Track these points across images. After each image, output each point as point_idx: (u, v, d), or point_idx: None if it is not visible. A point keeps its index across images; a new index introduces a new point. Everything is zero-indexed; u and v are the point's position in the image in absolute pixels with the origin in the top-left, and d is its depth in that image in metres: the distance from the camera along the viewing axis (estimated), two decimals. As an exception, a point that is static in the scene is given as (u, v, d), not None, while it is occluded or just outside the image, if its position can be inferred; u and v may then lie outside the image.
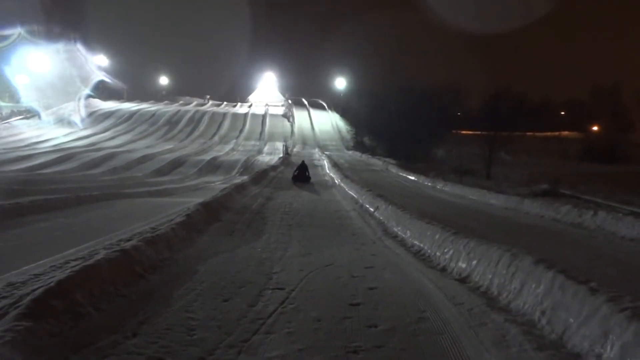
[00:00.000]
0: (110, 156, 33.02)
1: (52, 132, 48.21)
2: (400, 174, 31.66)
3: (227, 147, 47.20)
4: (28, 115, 56.46)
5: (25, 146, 38.36)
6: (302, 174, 24.54)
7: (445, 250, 7.97)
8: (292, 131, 60.21)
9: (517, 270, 6.00)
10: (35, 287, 4.99)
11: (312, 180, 24.90)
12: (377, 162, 40.51)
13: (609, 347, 4.03)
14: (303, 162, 25.99)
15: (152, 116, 63.21)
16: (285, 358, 4.18)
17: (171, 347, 4.31)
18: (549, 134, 69.20)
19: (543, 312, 5.07)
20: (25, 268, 6.17)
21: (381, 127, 52.21)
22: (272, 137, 55.53)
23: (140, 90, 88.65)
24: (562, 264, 5.78)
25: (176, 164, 31.95)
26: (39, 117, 56.41)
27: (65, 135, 47.18)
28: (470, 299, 5.95)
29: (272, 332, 4.77)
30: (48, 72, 65.11)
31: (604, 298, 4.53)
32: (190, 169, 30.29)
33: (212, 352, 4.22)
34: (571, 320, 4.64)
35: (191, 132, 56.55)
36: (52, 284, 5.01)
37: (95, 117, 60.27)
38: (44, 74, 64.18)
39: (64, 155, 31.92)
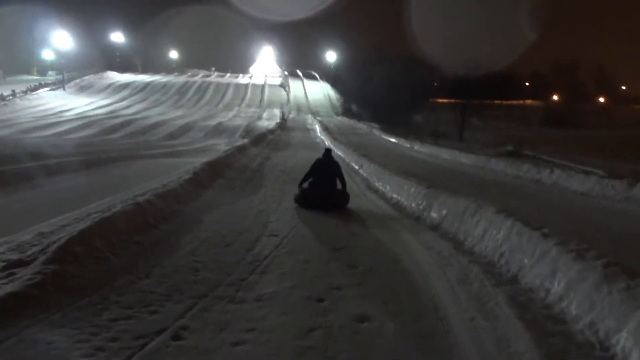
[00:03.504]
0: (127, 123, 32.74)
1: (74, 102, 47.63)
2: (383, 137, 31.57)
3: (231, 114, 46.77)
4: (54, 87, 55.71)
5: (52, 114, 37.91)
6: (322, 187, 8.59)
7: (420, 202, 8.01)
8: (288, 99, 59.64)
9: (481, 218, 6.05)
10: (60, 236, 5.00)
11: (306, 141, 24.63)
12: (362, 127, 40.35)
13: (556, 283, 4.10)
14: (328, 151, 9.45)
15: (164, 87, 62.44)
16: (278, 294, 4.22)
17: (179, 285, 4.34)
18: (514, 102, 68.91)
19: (502, 254, 5.14)
20: (53, 220, 6.11)
21: (367, 95, 51.85)
22: (270, 105, 55.01)
23: (152, 63, 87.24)
24: (520, 214, 5.83)
25: (185, 129, 31.70)
26: (63, 88, 55.72)
27: (86, 105, 46.60)
28: (439, 243, 6.02)
29: (266, 272, 4.81)
30: (70, 49, 63.96)
31: (554, 242, 4.59)
32: (198, 133, 30.06)
33: (214, 289, 4.26)
34: (525, 261, 4.71)
35: (198, 101, 55.97)
36: (74, 233, 5.02)
37: (113, 88, 59.50)
38: (66, 50, 63.06)
39: (87, 122, 31.63)
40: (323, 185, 8.51)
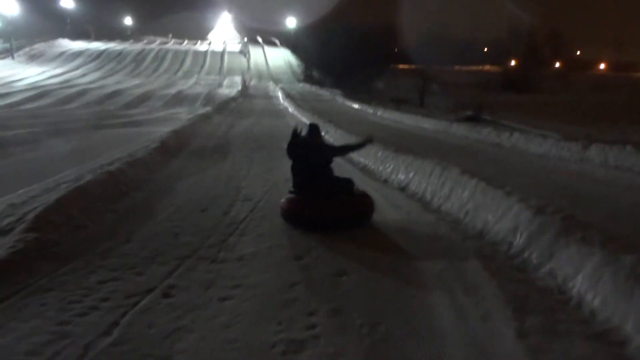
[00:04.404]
0: (83, 92, 31.78)
1: (25, 72, 45.81)
2: (346, 103, 31.67)
3: (190, 82, 45.78)
4: (1, 56, 53.29)
5: (2, 85, 36.42)
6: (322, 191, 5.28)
7: (387, 165, 8.26)
8: (249, 66, 58.74)
9: (446, 179, 6.35)
10: (35, 205, 5.03)
11: (269, 109, 24.61)
12: (325, 93, 40.30)
13: (518, 237, 4.43)
14: (313, 127, 5.73)
15: (119, 54, 60.47)
16: (258, 254, 4.42)
17: (160, 249, 4.48)
18: (473, 67, 69.72)
19: (467, 212, 5.45)
20: (21, 192, 6.06)
21: (328, 61, 51.48)
22: (230, 72, 54.08)
23: (106, 30, 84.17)
24: (483, 174, 6.14)
25: (144, 98, 30.97)
26: (12, 57, 53.40)
27: (38, 74, 44.89)
28: (408, 203, 6.30)
29: (245, 234, 4.99)
30: (18, 15, 61.07)
31: (516, 199, 4.91)
32: (158, 102, 29.42)
33: (196, 251, 4.42)
34: (489, 217, 5.03)
35: (156, 69, 54.52)
36: (51, 202, 5.07)
37: (65, 57, 57.35)
38: (14, 17, 60.20)
39: (40, 92, 30.53)
40: (320, 188, 5.26)
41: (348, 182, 5.43)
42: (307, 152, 5.40)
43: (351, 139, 11.09)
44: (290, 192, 5.46)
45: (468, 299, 3.51)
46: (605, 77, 71.04)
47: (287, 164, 8.00)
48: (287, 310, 3.32)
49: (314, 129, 5.72)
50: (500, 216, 4.87)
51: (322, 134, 12.16)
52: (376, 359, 2.79)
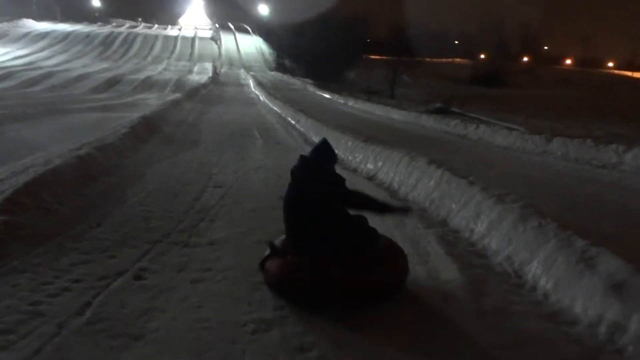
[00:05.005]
0: (49, 75, 31.05)
1: (-12, 52, 44.44)
2: (317, 92, 31.75)
3: (160, 67, 45.14)
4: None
5: (-37, 65, 35.29)
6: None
7: (356, 155, 8.42)
8: (220, 53, 58.19)
9: (414, 169, 6.54)
10: (4, 188, 4.99)
11: (240, 96, 24.45)
12: (296, 82, 40.26)
13: (480, 224, 4.63)
14: (319, 150, 3.87)
15: (87, 37, 59.07)
16: (229, 238, 4.51)
17: (132, 233, 4.53)
18: (444, 60, 70.45)
19: (432, 201, 5.65)
20: (-14, 175, 6.01)
21: (300, 50, 51.41)
22: (201, 58, 53.47)
23: (73, 11, 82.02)
24: (449, 165, 6.34)
25: (112, 82, 30.45)
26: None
27: (1, 55, 43.57)
28: (376, 192, 6.42)
29: (216, 219, 5.08)
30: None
31: (479, 188, 5.12)
32: (126, 87, 28.97)
33: (168, 236, 4.49)
34: (453, 205, 5.23)
35: (125, 53, 53.52)
36: (19, 185, 5.04)
37: (30, 38, 55.78)
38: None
39: (3, 74, 29.71)
40: (338, 245, 3.42)
41: (371, 233, 3.67)
42: (323, 189, 3.61)
43: (322, 129, 11.18)
44: (273, 247, 3.67)
45: (430, 283, 3.69)
46: (571, 72, 72.67)
47: (258, 151, 8.09)
48: (257, 292, 3.43)
49: (320, 149, 3.89)
50: (464, 205, 5.07)
51: (294, 122, 11.96)
52: (344, 338, 2.93)
